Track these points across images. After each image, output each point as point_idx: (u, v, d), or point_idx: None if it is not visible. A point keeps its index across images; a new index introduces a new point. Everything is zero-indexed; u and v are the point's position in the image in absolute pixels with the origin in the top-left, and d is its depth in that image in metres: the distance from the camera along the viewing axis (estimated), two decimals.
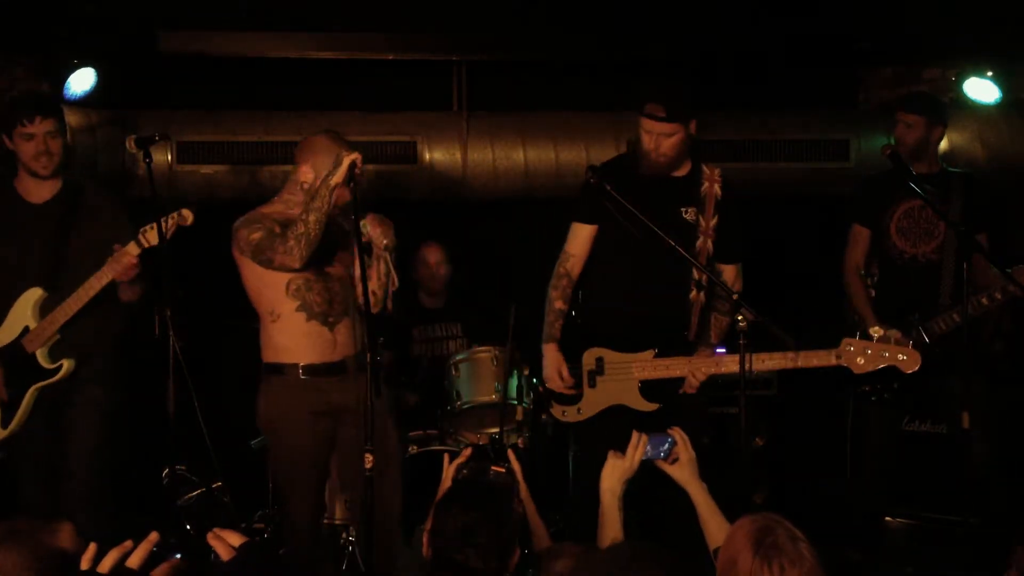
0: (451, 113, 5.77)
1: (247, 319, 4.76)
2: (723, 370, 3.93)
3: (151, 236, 3.91)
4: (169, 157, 5.48)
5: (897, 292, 4.51)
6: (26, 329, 4.07)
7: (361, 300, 3.83)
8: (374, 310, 3.87)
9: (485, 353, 4.91)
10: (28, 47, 5.21)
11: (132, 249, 3.93)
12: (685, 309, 4.06)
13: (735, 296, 3.72)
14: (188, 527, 4.65)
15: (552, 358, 4.09)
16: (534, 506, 3.19)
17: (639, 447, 3.11)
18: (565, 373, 4.07)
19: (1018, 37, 5.23)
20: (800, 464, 5.41)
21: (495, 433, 4.87)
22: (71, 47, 5.19)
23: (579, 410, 4.08)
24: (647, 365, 3.99)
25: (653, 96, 3.95)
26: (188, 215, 3.93)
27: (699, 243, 4.02)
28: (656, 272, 4.00)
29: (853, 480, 4.73)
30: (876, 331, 3.72)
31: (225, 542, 2.30)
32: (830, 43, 5.75)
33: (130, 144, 5.36)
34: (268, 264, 3.83)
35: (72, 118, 5.24)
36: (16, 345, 4.07)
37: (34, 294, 4.07)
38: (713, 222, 4.04)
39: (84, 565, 2.22)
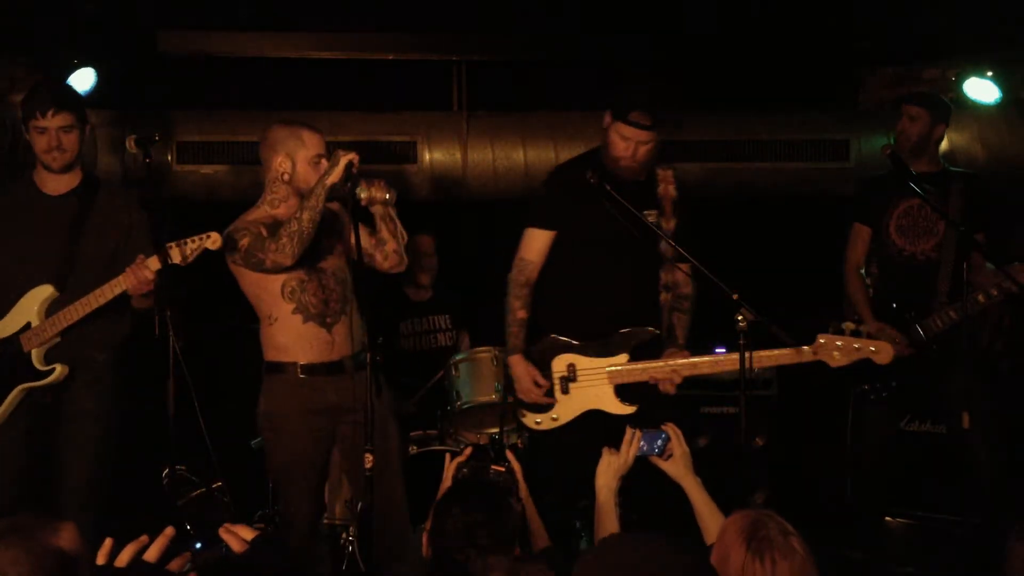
0: (451, 113, 5.78)
1: (247, 320, 4.76)
2: (700, 372, 3.95)
3: (175, 254, 3.81)
4: (169, 157, 5.48)
5: (895, 290, 4.52)
6: (28, 325, 3.97)
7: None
8: (400, 268, 3.99)
9: (485, 353, 4.90)
10: (28, 47, 5.21)
11: (153, 264, 3.83)
12: (656, 310, 4.06)
13: (735, 296, 3.72)
14: (188, 527, 4.65)
15: (523, 369, 4.06)
16: (533, 506, 3.19)
17: (633, 443, 3.13)
18: (541, 380, 4.04)
19: (1018, 37, 5.23)
20: (800, 464, 5.41)
21: (495, 433, 4.87)
22: (71, 47, 5.18)
23: (553, 417, 4.07)
24: (623, 369, 3.98)
25: (639, 103, 3.91)
26: (217, 239, 3.82)
27: (662, 245, 4.03)
28: (625, 274, 4.02)
29: (853, 480, 4.74)
30: (849, 325, 3.74)
31: (238, 536, 2.33)
32: (830, 43, 5.76)
33: (130, 144, 5.37)
34: (260, 265, 3.83)
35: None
36: (14, 340, 3.97)
37: (44, 291, 3.97)
38: (673, 223, 4.04)
39: (100, 560, 2.23)
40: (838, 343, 3.74)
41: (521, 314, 4.08)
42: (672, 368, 3.92)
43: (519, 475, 3.15)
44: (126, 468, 4.63)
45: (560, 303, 4.11)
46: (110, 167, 5.43)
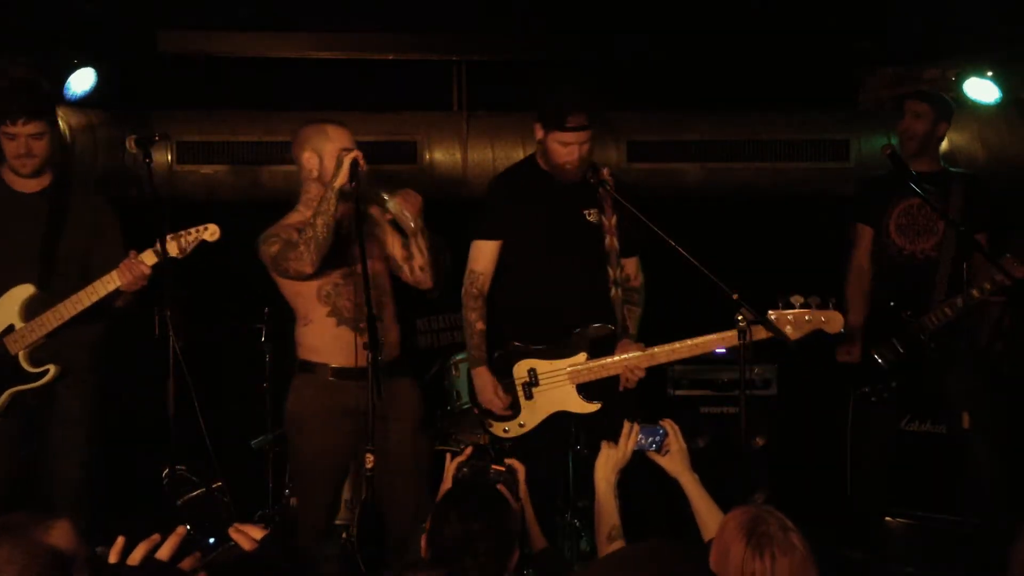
0: (451, 113, 5.77)
1: (247, 319, 4.77)
2: (656, 361, 3.97)
3: (172, 247, 3.81)
4: (169, 157, 5.47)
5: (893, 289, 4.52)
6: (11, 327, 3.91)
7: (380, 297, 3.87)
8: (427, 286, 3.99)
9: None
10: (28, 47, 5.21)
11: (148, 258, 3.82)
12: (609, 307, 4.08)
13: (735, 296, 3.72)
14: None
15: (486, 381, 4.07)
16: (531, 507, 3.19)
17: (632, 437, 3.15)
18: (501, 393, 4.06)
19: (1018, 37, 5.23)
20: (800, 465, 5.41)
21: None
22: (71, 47, 5.18)
23: (520, 423, 4.09)
24: (582, 368, 4.00)
25: (571, 106, 3.92)
26: (215, 231, 3.83)
27: (607, 242, 4.06)
28: (575, 274, 4.04)
29: (853, 480, 4.74)
30: (797, 298, 3.75)
31: (247, 535, 2.34)
32: (830, 43, 5.75)
33: (130, 144, 5.36)
34: (285, 274, 3.86)
35: (72, 118, 5.25)
36: None
37: (25, 291, 3.91)
38: (614, 220, 4.05)
39: (113, 558, 2.23)
40: (789, 317, 3.74)
41: (479, 326, 4.11)
42: (628, 362, 3.95)
43: (521, 475, 3.14)
44: (126, 468, 4.64)
45: (515, 309, 4.14)
46: (110, 167, 5.43)
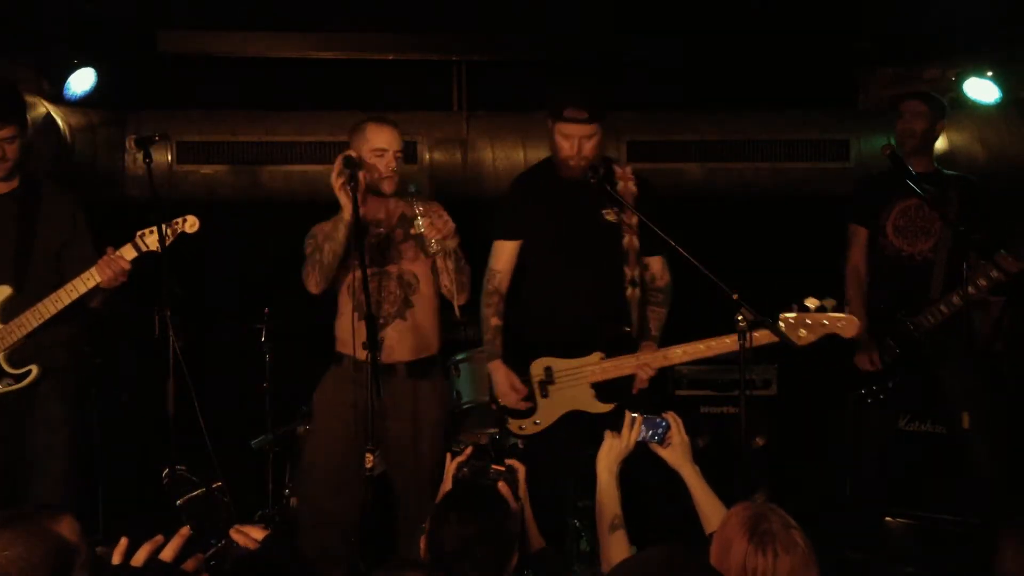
0: (451, 113, 5.78)
1: (247, 319, 4.77)
2: (671, 362, 3.97)
3: (150, 241, 3.79)
4: (169, 157, 5.48)
5: (891, 289, 4.52)
6: None
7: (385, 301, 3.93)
8: (458, 302, 4.00)
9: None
10: (28, 47, 5.21)
11: (128, 253, 3.79)
12: (624, 307, 4.07)
13: (735, 296, 3.72)
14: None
15: (502, 374, 4.08)
16: (530, 508, 3.18)
17: (635, 427, 3.16)
18: (518, 384, 4.06)
19: (1018, 37, 5.23)
20: (800, 464, 5.41)
21: (495, 433, 4.87)
22: (71, 47, 5.18)
23: (536, 421, 4.08)
24: (597, 368, 4.00)
25: (571, 99, 3.93)
26: (194, 222, 3.82)
27: (625, 241, 4.05)
28: (590, 274, 4.04)
29: (853, 480, 4.73)
30: (812, 302, 3.71)
31: (249, 536, 2.34)
32: (830, 43, 5.75)
33: (130, 144, 5.37)
34: (303, 281, 3.98)
35: (72, 118, 5.25)
36: None
37: (1, 292, 3.87)
38: (635, 219, 4.03)
39: (116, 559, 2.23)
40: (806, 320, 3.72)
41: (494, 321, 4.12)
42: (644, 362, 3.95)
43: (521, 476, 3.14)
44: (126, 468, 4.64)
45: (533, 307, 4.14)
46: (110, 167, 5.43)
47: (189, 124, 5.53)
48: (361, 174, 3.86)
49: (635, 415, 3.19)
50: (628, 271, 4.03)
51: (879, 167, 4.67)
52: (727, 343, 3.81)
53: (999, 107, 5.57)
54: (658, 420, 3.19)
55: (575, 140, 3.95)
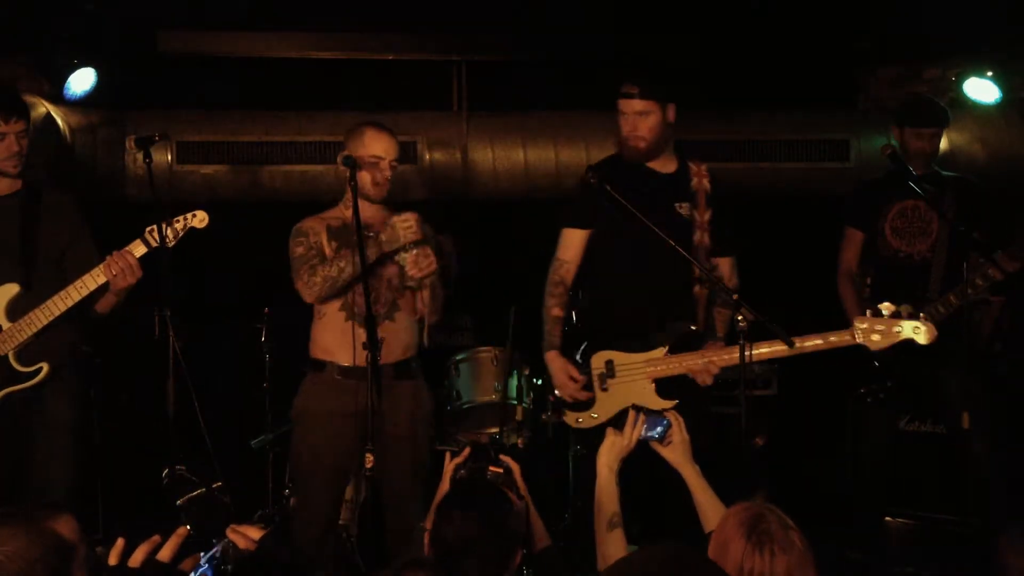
0: (451, 113, 5.78)
1: (247, 319, 4.76)
2: (735, 362, 3.85)
3: (159, 236, 3.77)
4: (169, 157, 5.48)
5: (890, 290, 4.51)
6: None
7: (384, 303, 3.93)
8: (427, 321, 4.05)
9: (485, 353, 4.91)
10: (28, 47, 5.21)
11: (137, 248, 3.76)
12: (691, 304, 4.03)
13: (735, 296, 3.72)
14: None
15: (559, 365, 4.03)
16: (533, 506, 3.19)
17: (637, 425, 3.15)
18: (576, 374, 4.00)
19: (1018, 37, 5.23)
20: (800, 464, 5.41)
21: (495, 433, 4.87)
22: (71, 47, 5.18)
23: (593, 415, 4.03)
24: (660, 363, 3.93)
25: (627, 76, 3.95)
26: (204, 217, 3.78)
27: (696, 237, 4.01)
28: (659, 269, 3.98)
29: (853, 480, 4.74)
30: (887, 307, 3.68)
31: (245, 536, 2.34)
32: (831, 43, 5.76)
33: (130, 144, 5.37)
34: (294, 282, 3.93)
35: (72, 118, 5.25)
36: None
37: (9, 290, 3.85)
38: (707, 216, 4.02)
39: (113, 560, 2.23)
40: (878, 326, 3.67)
41: (556, 312, 4.07)
42: (708, 360, 3.87)
43: (517, 475, 3.14)
44: (126, 468, 4.64)
45: (598, 300, 4.12)
46: (110, 167, 5.43)
47: (189, 124, 5.54)
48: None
49: (638, 413, 3.19)
50: (696, 268, 4.02)
51: (879, 167, 4.67)
52: (813, 343, 3.73)
53: (999, 107, 5.58)
54: (660, 419, 3.19)
55: (630, 117, 3.93)
